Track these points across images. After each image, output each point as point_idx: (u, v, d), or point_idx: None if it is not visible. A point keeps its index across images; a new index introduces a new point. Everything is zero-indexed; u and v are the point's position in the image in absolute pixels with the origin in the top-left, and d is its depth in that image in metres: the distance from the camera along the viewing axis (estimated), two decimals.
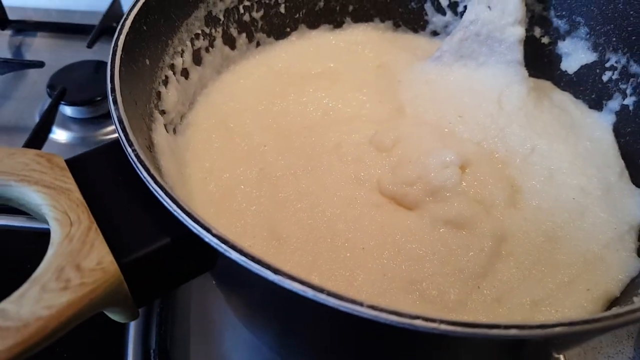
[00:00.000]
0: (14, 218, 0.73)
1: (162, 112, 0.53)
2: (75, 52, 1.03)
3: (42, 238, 0.36)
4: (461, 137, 0.60)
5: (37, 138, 0.81)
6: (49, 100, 0.88)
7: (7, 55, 1.06)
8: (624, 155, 0.59)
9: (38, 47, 1.09)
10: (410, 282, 0.47)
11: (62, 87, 0.86)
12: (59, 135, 0.90)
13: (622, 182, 0.57)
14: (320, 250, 0.49)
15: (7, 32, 1.10)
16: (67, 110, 0.90)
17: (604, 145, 0.60)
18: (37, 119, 0.87)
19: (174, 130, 0.56)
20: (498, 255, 0.50)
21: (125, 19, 0.48)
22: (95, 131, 0.90)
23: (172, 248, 0.37)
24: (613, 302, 0.48)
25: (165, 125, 0.53)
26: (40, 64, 0.94)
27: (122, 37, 0.46)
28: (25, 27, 1.10)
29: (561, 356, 0.63)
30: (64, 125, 0.91)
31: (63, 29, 1.10)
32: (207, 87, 0.63)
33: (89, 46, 0.97)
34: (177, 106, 0.56)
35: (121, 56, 0.45)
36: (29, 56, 1.06)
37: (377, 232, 0.51)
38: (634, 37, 0.58)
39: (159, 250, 0.37)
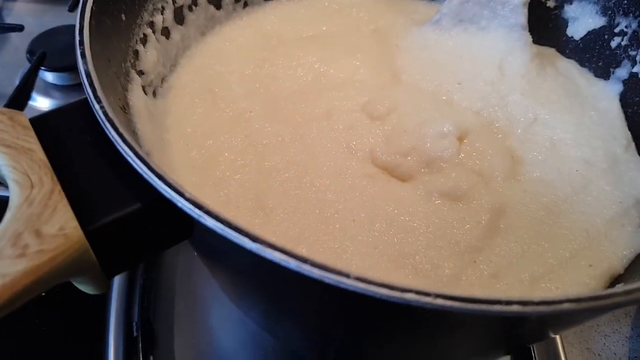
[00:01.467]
0: None
1: (140, 73, 0.49)
2: (57, 16, 0.99)
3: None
4: (460, 105, 0.57)
5: (16, 104, 0.77)
6: (29, 66, 0.84)
7: None
8: (631, 126, 0.56)
9: (19, 11, 1.05)
10: (403, 256, 0.45)
11: (42, 52, 0.82)
12: (41, 102, 0.86)
13: (629, 154, 0.54)
14: (309, 221, 0.46)
15: None
16: (49, 76, 0.86)
17: (610, 116, 0.57)
18: None
19: (154, 93, 0.52)
20: (496, 228, 0.47)
21: None
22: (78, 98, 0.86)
23: (142, 214, 0.34)
24: (616, 279, 0.46)
25: (144, 87, 0.49)
26: (19, 28, 0.90)
27: None
28: None
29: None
30: (45, 93, 0.87)
31: None
32: (191, 49, 0.59)
33: (71, 10, 0.92)
34: (156, 67, 0.52)
35: (92, 8, 0.41)
36: (9, 21, 1.01)
37: (368, 203, 0.48)
38: None
39: (128, 216, 0.33)
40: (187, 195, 0.30)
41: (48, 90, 0.87)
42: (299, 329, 0.51)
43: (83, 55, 0.37)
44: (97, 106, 0.34)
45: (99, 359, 0.58)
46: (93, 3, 0.41)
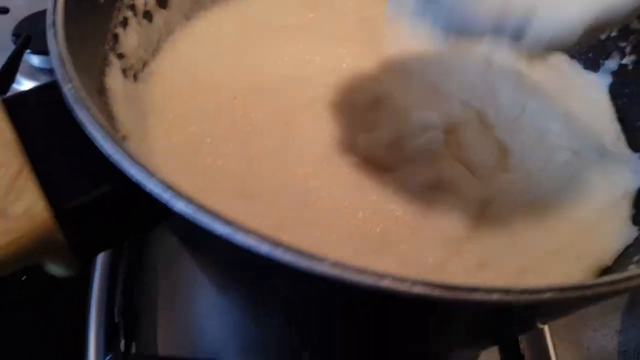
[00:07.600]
0: None
1: (120, 56, 0.48)
2: None
3: None
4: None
5: None
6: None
7: None
8: (620, 118, 0.55)
9: None
10: (386, 244, 0.44)
11: (27, 35, 0.81)
12: (27, 86, 0.85)
13: (617, 146, 0.53)
14: (290, 210, 0.46)
15: None
16: (35, 59, 0.85)
17: (600, 107, 0.56)
18: None
19: (135, 77, 0.51)
20: (483, 218, 0.47)
21: None
22: None
23: (113, 196, 0.33)
24: (604, 272, 0.45)
25: (124, 71, 0.48)
26: (4, 10, 0.88)
27: None
28: None
29: (545, 326, 0.60)
30: (31, 76, 0.86)
31: None
32: (174, 34, 0.58)
33: None
34: (137, 51, 0.51)
35: None
36: None
37: (351, 192, 0.47)
38: None
39: (98, 198, 0.32)
40: (156, 177, 0.29)
41: (34, 73, 0.86)
42: (281, 318, 0.50)
43: (54, 37, 0.36)
44: (65, 87, 0.33)
45: (80, 343, 0.58)
46: None
